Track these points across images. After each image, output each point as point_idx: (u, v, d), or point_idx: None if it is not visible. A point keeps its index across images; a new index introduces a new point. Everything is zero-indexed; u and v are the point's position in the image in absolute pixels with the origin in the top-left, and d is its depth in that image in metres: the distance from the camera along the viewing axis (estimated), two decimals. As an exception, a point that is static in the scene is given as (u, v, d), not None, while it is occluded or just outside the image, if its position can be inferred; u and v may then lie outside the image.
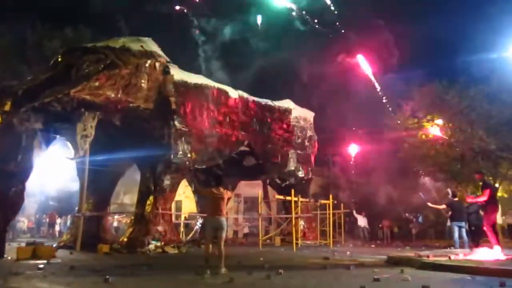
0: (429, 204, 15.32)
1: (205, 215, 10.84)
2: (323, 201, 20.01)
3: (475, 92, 22.56)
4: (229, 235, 22.92)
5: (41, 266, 8.80)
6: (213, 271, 7.56)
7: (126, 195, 27.22)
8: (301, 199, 17.76)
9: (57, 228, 26.54)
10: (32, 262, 10.06)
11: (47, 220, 26.61)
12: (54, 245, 14.08)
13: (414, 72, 26.71)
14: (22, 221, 25.67)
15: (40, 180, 23.77)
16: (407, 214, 25.29)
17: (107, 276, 6.77)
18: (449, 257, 9.57)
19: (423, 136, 24.92)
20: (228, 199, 8.53)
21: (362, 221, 23.49)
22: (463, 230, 12.82)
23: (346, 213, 21.64)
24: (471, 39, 23.14)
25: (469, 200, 12.11)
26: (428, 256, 9.70)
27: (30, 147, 12.02)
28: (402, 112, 25.60)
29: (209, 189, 8.52)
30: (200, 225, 19.02)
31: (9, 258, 10.90)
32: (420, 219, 25.94)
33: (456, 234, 13.16)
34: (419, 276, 7.33)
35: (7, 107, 11.35)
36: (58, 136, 15.03)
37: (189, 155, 14.81)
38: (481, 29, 22.85)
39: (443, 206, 14.41)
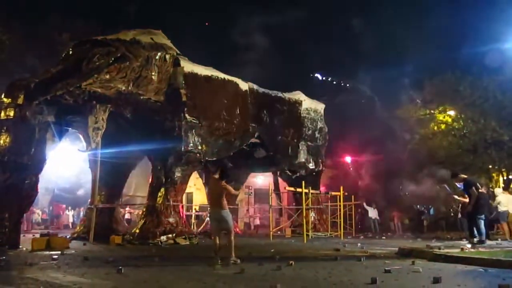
0: (456, 197, 15.16)
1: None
2: (333, 193, 19.97)
3: (488, 82, 22.25)
4: (240, 226, 23.06)
5: (55, 257, 8.96)
6: (224, 262, 7.60)
7: (137, 187, 27.45)
8: (311, 191, 17.74)
9: (70, 219, 26.93)
10: (46, 253, 10.24)
11: (52, 210, 26.95)
12: (68, 236, 14.30)
13: (426, 63, 26.43)
14: (37, 213, 26.06)
15: (53, 172, 24.09)
16: (418, 206, 25.15)
17: (120, 267, 6.85)
18: (462, 249, 9.53)
19: (435, 127, 24.72)
20: (228, 189, 8.37)
21: (372, 213, 23.43)
22: (482, 222, 12.67)
23: (356, 205, 21.60)
24: (484, 29, 22.79)
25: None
26: (439, 248, 9.67)
27: (43, 139, 12.16)
28: (413, 103, 25.39)
29: (210, 180, 8.38)
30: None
31: (24, 249, 11.08)
32: (431, 211, 25.77)
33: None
34: (430, 268, 7.30)
35: (20, 101, 11.47)
36: (70, 128, 15.20)
37: (199, 147, 14.87)
38: (493, 19, 22.47)
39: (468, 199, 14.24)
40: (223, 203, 8.08)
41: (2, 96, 11.80)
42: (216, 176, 8.38)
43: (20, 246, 11.26)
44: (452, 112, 24.43)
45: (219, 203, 8.05)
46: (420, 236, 18.51)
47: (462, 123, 23.82)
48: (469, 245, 10.75)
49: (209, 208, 8.27)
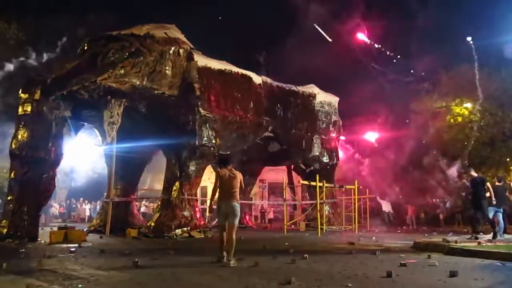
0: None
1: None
2: (348, 186, 19.87)
3: (506, 74, 21.85)
4: (253, 220, 23.10)
5: (73, 249, 9.10)
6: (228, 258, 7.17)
7: (152, 181, 27.68)
8: (326, 185, 17.68)
9: (87, 213, 27.30)
10: (64, 245, 10.41)
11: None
12: (85, 229, 14.52)
13: (443, 54, 25.98)
14: (54, 207, 26.49)
15: (70, 167, 24.47)
16: (434, 199, 24.84)
17: (136, 260, 6.93)
18: (478, 243, 9.41)
19: (452, 120, 24.37)
20: (241, 181, 7.53)
21: (386, 206, 23.25)
22: (500, 215, 12.50)
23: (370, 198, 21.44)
24: (502, 19, 22.28)
25: None
26: (456, 242, 9.56)
27: (60, 134, 12.35)
28: (429, 96, 25.04)
29: (217, 172, 7.55)
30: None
31: (43, 241, 11.28)
32: (447, 204, 25.47)
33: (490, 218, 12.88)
34: (446, 262, 7.24)
35: (37, 96, 11.66)
36: (86, 123, 15.39)
37: (213, 141, 14.91)
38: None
39: (487, 194, 14.01)
40: (236, 194, 7.36)
41: (20, 91, 11.99)
42: (229, 167, 7.62)
43: (39, 239, 11.47)
44: (469, 105, 24.07)
45: (233, 195, 7.30)
46: (436, 230, 18.34)
47: (479, 116, 23.46)
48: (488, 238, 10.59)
49: (218, 200, 7.43)
